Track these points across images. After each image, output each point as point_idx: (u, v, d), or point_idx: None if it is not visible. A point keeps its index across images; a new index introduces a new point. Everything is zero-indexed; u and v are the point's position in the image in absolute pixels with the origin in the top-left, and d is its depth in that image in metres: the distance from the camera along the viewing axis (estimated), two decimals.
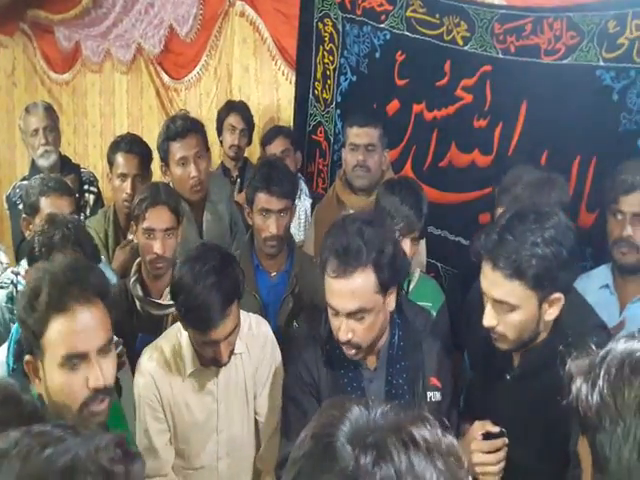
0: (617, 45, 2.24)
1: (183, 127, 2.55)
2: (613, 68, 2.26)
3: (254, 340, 1.89)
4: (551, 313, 1.45)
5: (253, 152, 3.88)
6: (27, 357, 1.32)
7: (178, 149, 2.55)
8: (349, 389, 1.67)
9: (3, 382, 1.08)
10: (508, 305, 1.44)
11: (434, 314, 2.07)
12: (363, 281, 1.54)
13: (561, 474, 1.36)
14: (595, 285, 2.09)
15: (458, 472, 0.69)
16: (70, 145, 5.18)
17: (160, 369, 1.79)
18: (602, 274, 2.10)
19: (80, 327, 1.28)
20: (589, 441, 0.84)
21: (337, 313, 1.59)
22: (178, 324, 1.86)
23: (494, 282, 1.45)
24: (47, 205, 2.44)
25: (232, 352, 1.75)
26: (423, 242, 2.31)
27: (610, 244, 2.04)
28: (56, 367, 1.28)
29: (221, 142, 3.50)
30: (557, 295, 1.44)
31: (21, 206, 3.27)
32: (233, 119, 3.41)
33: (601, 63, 2.28)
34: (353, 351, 1.62)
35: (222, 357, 1.70)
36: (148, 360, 1.81)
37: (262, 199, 2.23)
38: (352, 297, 1.55)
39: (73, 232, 1.99)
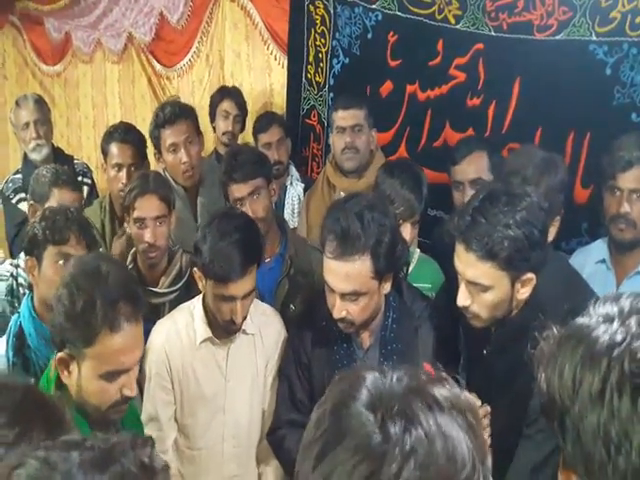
0: (610, 19, 2.23)
1: (172, 113, 2.56)
2: (606, 42, 2.25)
3: (268, 328, 1.92)
4: (523, 292, 1.48)
5: (247, 139, 3.87)
6: (61, 354, 1.32)
7: (168, 136, 2.56)
8: (340, 366, 1.70)
9: (24, 383, 1.04)
10: (481, 286, 1.47)
11: (433, 295, 2.07)
12: (359, 267, 1.57)
13: None
14: (592, 260, 2.09)
15: (477, 426, 0.70)
16: (63, 137, 5.16)
17: (171, 339, 1.83)
18: (598, 249, 2.11)
19: (128, 346, 1.31)
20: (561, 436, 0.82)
21: (333, 291, 1.62)
22: (191, 301, 1.90)
23: (467, 263, 1.48)
24: (57, 196, 2.44)
25: (245, 318, 1.78)
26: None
27: (607, 220, 2.04)
28: (96, 376, 1.30)
29: (214, 128, 3.48)
30: (529, 275, 1.47)
31: (15, 200, 3.29)
32: (227, 105, 3.39)
33: (594, 38, 2.27)
34: (347, 326, 1.66)
35: (237, 316, 1.73)
36: (160, 331, 1.85)
37: (232, 190, 2.23)
38: (347, 280, 1.58)
39: (76, 216, 1.99)
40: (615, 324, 0.79)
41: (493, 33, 2.55)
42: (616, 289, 2.05)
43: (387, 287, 1.66)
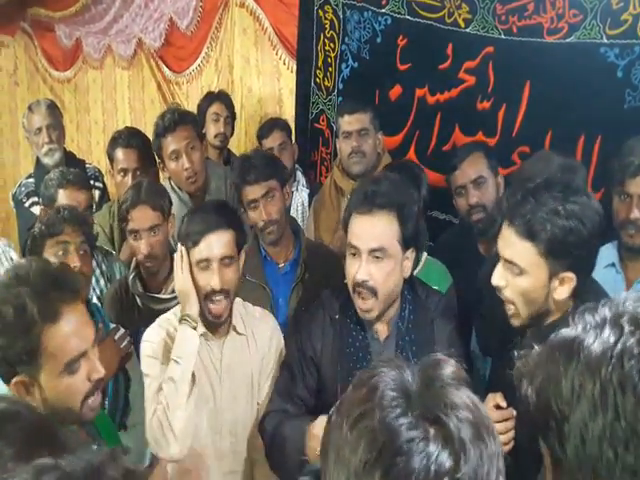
0: (621, 21, 2.22)
1: (171, 121, 2.57)
2: (617, 45, 2.23)
3: (260, 328, 1.91)
4: (561, 292, 1.42)
5: (239, 144, 3.87)
6: (16, 379, 1.23)
7: (169, 143, 2.57)
8: (355, 358, 1.69)
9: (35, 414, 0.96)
10: (517, 267, 1.43)
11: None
12: (386, 223, 1.61)
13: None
14: (601, 264, 2.05)
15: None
16: (73, 142, 5.19)
17: (167, 340, 1.81)
18: (608, 253, 2.08)
19: (75, 328, 1.25)
20: (544, 440, 0.84)
21: (356, 254, 1.63)
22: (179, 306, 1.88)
23: (507, 240, 1.45)
24: (64, 197, 2.48)
25: (228, 295, 1.78)
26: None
27: (617, 225, 2.02)
28: (57, 376, 1.24)
29: (204, 135, 3.47)
30: (569, 274, 1.41)
31: (27, 204, 3.31)
32: (216, 107, 3.37)
33: (605, 40, 2.26)
34: (368, 302, 1.63)
35: (215, 281, 1.75)
36: (158, 330, 1.84)
37: (246, 193, 2.24)
38: (374, 234, 1.61)
39: (70, 211, 2.03)
40: (606, 328, 0.80)
41: (503, 36, 2.54)
42: (626, 291, 2.03)
43: (407, 268, 1.67)
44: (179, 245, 1.84)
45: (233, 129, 3.50)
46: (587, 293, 1.45)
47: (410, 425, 0.69)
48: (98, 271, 2.42)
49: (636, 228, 1.97)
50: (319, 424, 1.54)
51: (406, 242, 1.63)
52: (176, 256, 1.83)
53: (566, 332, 0.84)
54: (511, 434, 1.42)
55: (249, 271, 2.22)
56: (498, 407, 1.44)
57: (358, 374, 0.80)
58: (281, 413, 1.76)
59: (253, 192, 2.22)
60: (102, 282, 2.43)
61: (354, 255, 1.64)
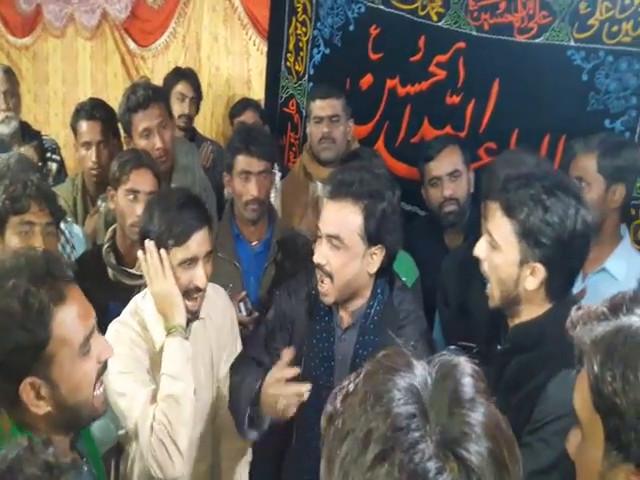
0: (588, 26, 2.28)
1: (145, 97, 2.47)
2: (583, 48, 2.30)
3: (214, 305, 1.90)
4: (530, 282, 1.46)
5: (204, 124, 3.83)
6: (26, 381, 1.12)
7: (140, 120, 2.47)
8: (319, 337, 1.74)
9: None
10: (493, 240, 1.48)
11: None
12: (347, 214, 1.61)
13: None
14: None
15: None
16: (30, 112, 5.02)
17: (133, 344, 1.74)
18: None
19: (80, 306, 1.20)
20: (602, 418, 0.84)
21: (320, 236, 1.66)
22: (136, 300, 1.83)
23: (491, 211, 1.52)
24: None
25: (203, 292, 1.74)
26: None
27: None
28: (72, 362, 1.16)
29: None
30: (539, 266, 1.44)
31: None
32: (182, 87, 3.32)
33: (572, 43, 2.32)
34: (325, 285, 1.66)
35: (202, 280, 1.70)
36: (118, 339, 1.70)
37: (241, 161, 2.23)
38: (334, 221, 1.62)
39: (36, 184, 1.94)
40: None
41: (474, 33, 2.58)
42: (582, 283, 2.12)
43: (373, 265, 1.66)
44: (150, 244, 1.70)
45: (198, 109, 3.45)
46: (566, 296, 1.51)
47: (436, 468, 0.64)
48: (63, 238, 2.35)
49: None
50: (270, 383, 1.60)
51: (369, 238, 1.62)
52: (149, 258, 1.70)
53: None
54: None
55: (221, 248, 2.24)
56: None
57: (363, 368, 0.75)
58: (254, 363, 1.78)
59: (251, 164, 2.22)
60: (68, 249, 2.39)
61: (320, 237, 1.68)
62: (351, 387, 0.73)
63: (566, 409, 1.31)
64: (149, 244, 1.70)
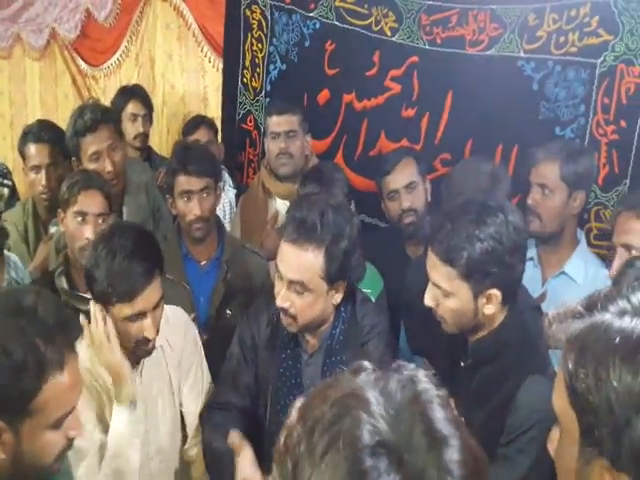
0: (536, 37, 2.36)
1: (93, 120, 2.40)
2: (533, 59, 2.37)
3: (173, 330, 1.83)
4: (489, 309, 1.47)
5: (160, 142, 3.78)
6: None
7: (89, 144, 2.40)
8: (285, 365, 1.71)
9: None
10: (442, 290, 1.48)
11: (373, 300, 2.10)
12: (310, 259, 1.57)
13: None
14: None
15: None
16: None
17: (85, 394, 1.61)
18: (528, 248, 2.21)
19: (74, 380, 1.13)
20: (577, 415, 0.84)
21: (281, 277, 1.62)
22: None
23: (432, 264, 1.50)
24: None
25: (157, 332, 1.67)
26: None
27: None
28: (43, 430, 1.10)
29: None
30: (494, 291, 1.46)
31: None
32: (133, 106, 3.23)
33: (522, 54, 2.39)
34: (289, 321, 1.64)
35: (151, 332, 1.62)
36: None
37: (181, 181, 2.19)
38: (296, 268, 1.59)
39: None
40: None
41: (427, 47, 2.63)
42: (542, 286, 2.16)
43: (337, 297, 1.66)
44: (96, 309, 1.60)
45: (151, 122, 3.39)
46: (515, 300, 1.53)
47: None
48: (9, 266, 2.26)
49: (532, 214, 2.10)
50: (245, 470, 1.53)
51: (331, 279, 1.60)
52: (93, 328, 1.60)
53: (621, 327, 0.83)
54: None
55: (169, 269, 2.14)
56: None
57: (318, 393, 0.69)
58: (224, 408, 1.73)
59: (190, 183, 2.18)
60: (13, 274, 2.28)
61: (280, 277, 1.63)
62: (300, 430, 0.66)
63: (539, 415, 1.33)
64: (94, 309, 1.62)
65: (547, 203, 2.09)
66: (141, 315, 1.62)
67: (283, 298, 1.61)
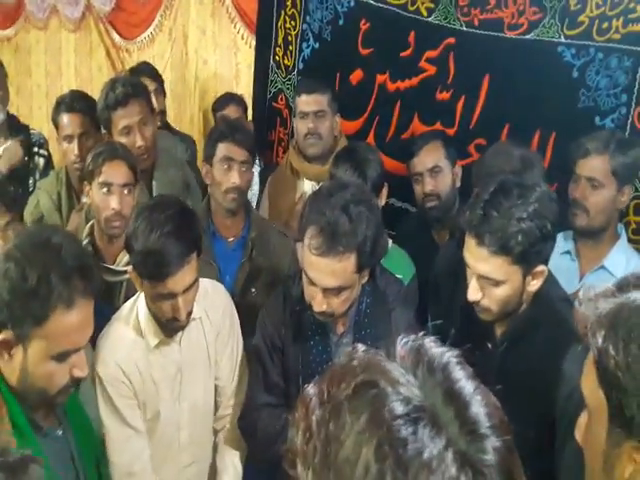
0: (578, 22, 2.28)
1: (124, 94, 2.39)
2: (574, 45, 2.30)
3: (213, 305, 1.86)
4: (534, 285, 1.49)
5: (192, 119, 3.78)
6: (3, 335, 1.19)
7: (120, 118, 2.40)
8: (315, 352, 1.71)
9: None
10: (493, 280, 1.47)
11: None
12: (345, 264, 1.55)
13: (544, 438, 1.40)
14: (557, 251, 2.14)
15: None
16: (13, 106, 4.92)
17: (125, 355, 1.72)
18: (563, 241, 2.15)
19: (82, 324, 1.23)
20: (606, 394, 0.82)
21: (313, 284, 1.60)
22: (131, 300, 1.81)
23: (479, 258, 1.47)
24: None
25: (190, 313, 1.71)
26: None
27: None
28: (46, 358, 1.21)
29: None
30: (541, 267, 1.47)
31: None
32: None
33: (562, 40, 2.32)
34: (328, 318, 1.66)
35: (180, 313, 1.65)
36: (110, 348, 1.72)
37: (224, 148, 2.21)
38: (332, 276, 1.56)
39: None
40: None
41: (464, 28, 2.57)
42: (579, 281, 2.12)
43: (365, 276, 1.66)
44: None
45: (164, 97, 3.36)
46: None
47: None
48: None
49: (580, 208, 2.05)
50: None
51: (362, 268, 1.60)
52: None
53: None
54: None
55: None
56: None
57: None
58: (263, 409, 1.76)
59: (234, 152, 2.20)
60: None
61: (311, 283, 1.60)
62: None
63: None
64: (132, 273, 1.68)
65: (596, 197, 2.03)
66: (172, 295, 1.64)
67: (320, 304, 1.59)
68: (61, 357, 1.22)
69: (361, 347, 0.69)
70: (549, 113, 2.36)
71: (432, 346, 0.67)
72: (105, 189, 2.09)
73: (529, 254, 1.43)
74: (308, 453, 0.62)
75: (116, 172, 2.09)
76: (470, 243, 1.48)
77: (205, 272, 2.12)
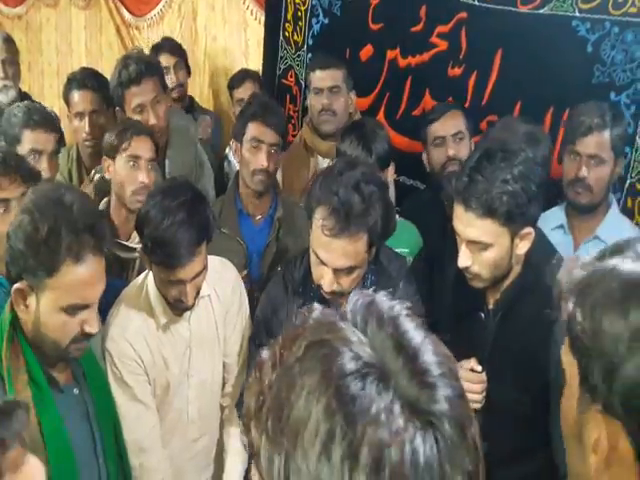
0: None
1: (137, 72, 2.37)
2: (588, 19, 2.25)
3: (222, 283, 1.87)
4: (522, 247, 1.51)
5: (202, 95, 3.76)
6: (18, 285, 1.27)
7: (134, 96, 2.39)
8: None
9: None
10: (482, 244, 1.49)
11: (411, 260, 2.08)
12: (358, 244, 1.55)
13: (540, 403, 1.43)
14: (549, 226, 2.12)
15: None
16: (24, 84, 4.93)
17: (135, 332, 1.74)
18: (556, 215, 2.16)
19: (91, 279, 1.28)
20: (578, 361, 0.82)
21: (322, 263, 1.59)
22: (141, 276, 1.83)
23: (467, 223, 1.49)
24: (30, 140, 2.26)
25: (198, 294, 1.72)
26: (392, 189, 2.29)
27: (565, 184, 2.10)
28: (57, 309, 1.27)
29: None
30: (528, 229, 1.49)
31: None
32: (163, 59, 3.13)
33: (577, 14, 2.27)
34: (338, 300, 1.64)
35: (187, 298, 1.67)
36: (120, 325, 1.73)
37: (255, 129, 2.19)
38: (345, 256, 1.55)
39: (12, 158, 1.83)
40: None
41: (476, 2, 2.52)
42: (573, 253, 2.11)
43: (373, 253, 1.66)
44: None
45: (189, 70, 3.35)
46: (537, 244, 1.54)
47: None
48: None
49: (583, 187, 2.04)
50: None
51: (372, 245, 1.60)
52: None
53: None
54: (484, 394, 1.51)
55: (224, 224, 2.21)
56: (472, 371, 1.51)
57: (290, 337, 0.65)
58: None
59: (264, 134, 2.18)
60: None
61: (320, 263, 1.58)
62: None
63: None
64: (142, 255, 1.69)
65: (599, 173, 2.03)
66: (180, 282, 1.65)
67: (331, 284, 1.58)
68: (71, 310, 1.28)
69: (317, 307, 0.69)
70: (563, 89, 2.33)
71: (382, 300, 0.66)
72: (132, 163, 2.09)
73: (515, 215, 1.45)
74: (261, 417, 0.61)
75: (144, 146, 2.11)
76: (458, 209, 1.50)
77: (233, 250, 2.16)
